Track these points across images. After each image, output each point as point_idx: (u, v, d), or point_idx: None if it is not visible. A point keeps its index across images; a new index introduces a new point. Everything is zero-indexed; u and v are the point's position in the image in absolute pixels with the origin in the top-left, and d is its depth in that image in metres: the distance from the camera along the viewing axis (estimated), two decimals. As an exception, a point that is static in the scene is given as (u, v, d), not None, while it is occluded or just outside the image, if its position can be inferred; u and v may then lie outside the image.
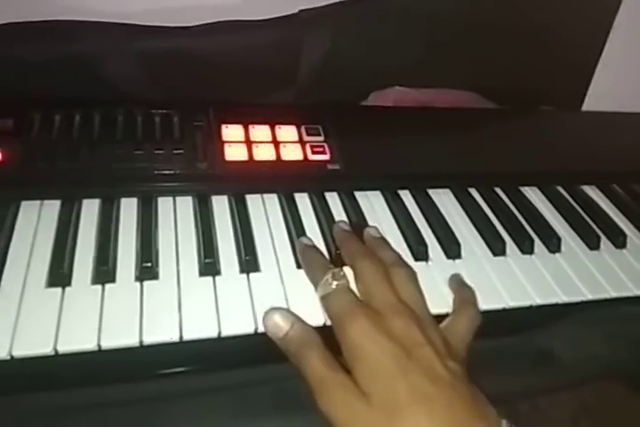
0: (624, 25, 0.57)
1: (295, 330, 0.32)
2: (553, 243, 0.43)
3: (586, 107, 0.63)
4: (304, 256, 0.37)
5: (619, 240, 0.45)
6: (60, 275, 0.34)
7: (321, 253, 0.37)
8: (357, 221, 0.42)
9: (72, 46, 0.47)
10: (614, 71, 0.60)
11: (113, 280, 0.34)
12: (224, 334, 0.33)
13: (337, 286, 0.33)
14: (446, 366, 0.29)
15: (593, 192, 0.51)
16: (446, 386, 0.28)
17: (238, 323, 0.33)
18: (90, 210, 0.39)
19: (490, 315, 0.37)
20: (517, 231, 0.44)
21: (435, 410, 0.27)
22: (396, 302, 0.32)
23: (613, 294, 0.40)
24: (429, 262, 0.40)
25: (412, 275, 0.35)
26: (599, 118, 0.59)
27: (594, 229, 0.46)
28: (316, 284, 0.34)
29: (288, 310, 0.33)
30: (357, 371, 0.29)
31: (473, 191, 0.48)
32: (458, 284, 0.38)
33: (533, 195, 0.49)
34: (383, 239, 0.39)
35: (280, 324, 0.32)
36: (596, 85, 0.61)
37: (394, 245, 0.40)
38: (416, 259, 0.40)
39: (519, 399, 0.30)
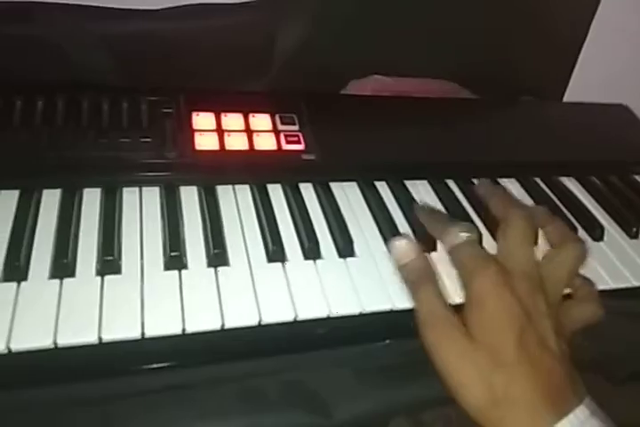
0: (606, 14, 0.57)
1: (420, 261, 0.33)
2: (530, 236, 0.43)
3: (567, 98, 0.62)
4: (425, 213, 0.38)
5: (596, 233, 0.44)
6: (15, 268, 0.32)
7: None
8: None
9: (34, 28, 0.44)
10: (597, 62, 0.60)
11: (72, 274, 0.33)
12: (189, 330, 0.31)
13: (468, 237, 0.33)
14: (558, 342, 0.30)
15: (571, 184, 0.51)
16: (553, 357, 0.29)
17: (204, 319, 0.32)
18: (50, 200, 0.37)
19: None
20: (494, 224, 0.43)
21: (535, 374, 0.28)
22: (531, 270, 0.32)
23: (590, 288, 0.40)
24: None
25: (578, 256, 0.34)
26: (578, 109, 0.58)
27: (571, 222, 0.45)
28: (441, 236, 0.35)
29: (416, 243, 0.35)
30: (473, 317, 0.30)
31: (450, 183, 0.47)
32: (583, 278, 0.37)
33: (511, 186, 0.48)
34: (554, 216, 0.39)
35: (407, 251, 0.34)
36: (578, 76, 0.61)
37: (369, 238, 0.40)
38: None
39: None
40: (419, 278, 0.32)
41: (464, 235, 0.33)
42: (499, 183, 0.48)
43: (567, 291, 0.36)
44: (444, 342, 0.30)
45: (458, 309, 0.31)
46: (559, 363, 0.29)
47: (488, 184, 0.43)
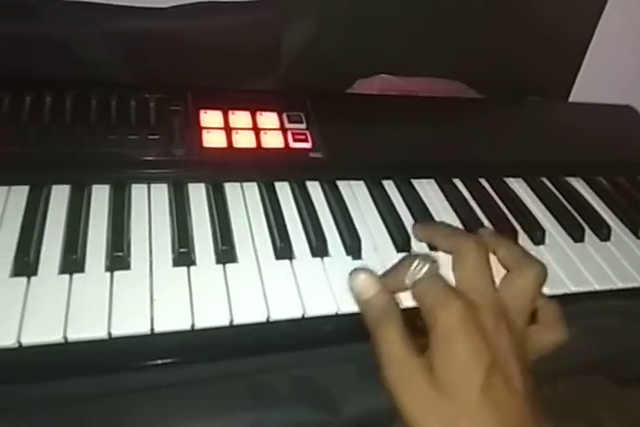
0: (613, 15, 0.57)
1: (381, 298, 0.31)
2: (537, 235, 0.43)
3: (573, 98, 0.62)
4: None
5: (603, 233, 0.45)
6: (25, 264, 0.32)
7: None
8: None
9: (45, 25, 0.45)
10: (602, 62, 0.60)
11: (82, 270, 0.33)
12: (198, 326, 0.31)
13: (427, 271, 0.31)
14: (525, 379, 0.29)
15: (578, 184, 0.51)
16: (520, 399, 0.28)
17: (213, 315, 0.32)
18: (59, 196, 0.38)
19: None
20: (501, 223, 0.43)
21: (500, 420, 0.27)
22: (495, 301, 0.31)
23: (597, 287, 0.40)
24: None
25: (537, 280, 0.32)
26: (584, 110, 0.58)
27: (578, 222, 0.45)
28: (404, 276, 0.32)
29: (376, 275, 0.32)
30: (440, 358, 0.28)
31: (457, 182, 0.47)
32: (546, 298, 0.35)
33: (518, 186, 0.48)
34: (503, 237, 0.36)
35: (368, 286, 0.31)
36: (583, 76, 0.61)
37: (377, 236, 0.40)
38: (399, 250, 0.39)
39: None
40: (379, 318, 0.30)
41: (422, 269, 0.31)
42: (505, 183, 0.48)
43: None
44: (404, 389, 0.28)
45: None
46: (525, 402, 0.28)
47: (422, 226, 0.40)
